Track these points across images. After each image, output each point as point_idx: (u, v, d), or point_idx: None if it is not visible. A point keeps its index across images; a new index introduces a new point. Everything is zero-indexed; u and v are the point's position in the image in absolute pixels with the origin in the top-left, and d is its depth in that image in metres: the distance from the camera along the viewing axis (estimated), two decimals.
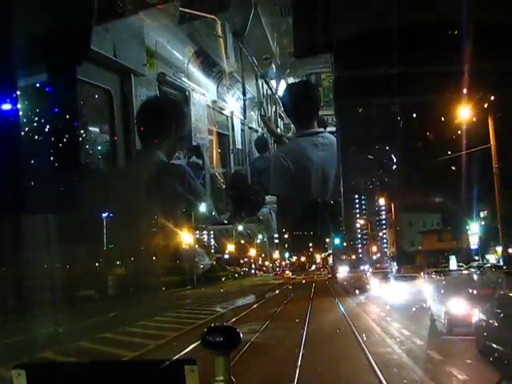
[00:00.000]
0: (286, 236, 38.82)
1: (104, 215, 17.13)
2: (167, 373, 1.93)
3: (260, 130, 24.82)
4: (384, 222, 72.39)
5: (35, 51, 9.01)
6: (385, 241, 73.17)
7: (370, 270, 47.16)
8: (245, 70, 19.65)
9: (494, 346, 11.06)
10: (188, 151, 18.18)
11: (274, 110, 24.41)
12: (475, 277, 22.19)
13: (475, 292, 15.11)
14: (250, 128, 24.27)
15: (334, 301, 26.94)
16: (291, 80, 25.45)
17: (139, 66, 14.49)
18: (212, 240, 32.76)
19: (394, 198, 52.59)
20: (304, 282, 49.75)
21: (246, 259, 52.38)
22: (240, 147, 22.60)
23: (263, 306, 24.32)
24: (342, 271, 53.33)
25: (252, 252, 49.92)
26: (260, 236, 38.97)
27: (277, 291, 35.46)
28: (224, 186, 19.58)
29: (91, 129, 14.79)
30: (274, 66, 22.26)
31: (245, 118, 22.32)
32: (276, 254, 65.06)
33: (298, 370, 10.19)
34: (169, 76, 16.15)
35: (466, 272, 28.79)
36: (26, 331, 13.65)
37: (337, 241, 62.23)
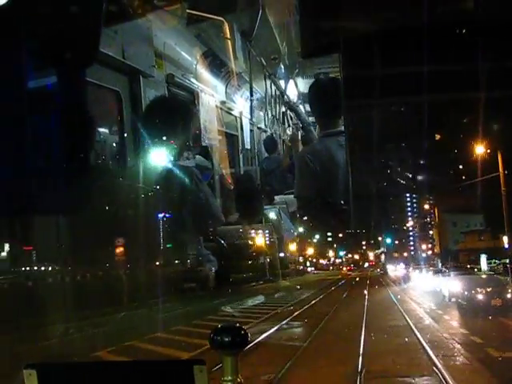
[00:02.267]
0: (340, 235, 46.70)
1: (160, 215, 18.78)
2: (176, 373, 1.95)
3: (269, 130, 24.79)
4: (432, 222, 76.29)
5: (44, 54, 9.03)
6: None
7: (411, 267, 60.62)
8: (253, 70, 19.64)
9: (460, 301, 21.81)
10: (197, 152, 18.20)
11: (283, 110, 24.39)
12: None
13: (466, 278, 25.83)
14: (259, 128, 24.26)
15: (384, 288, 38.18)
16: (300, 80, 25.39)
17: (148, 68, 14.53)
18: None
19: (437, 201, 57.84)
20: (358, 278, 59.46)
21: (301, 258, 57.00)
22: (249, 147, 22.60)
23: (336, 290, 36.16)
24: (393, 268, 63.54)
25: (309, 251, 56.13)
26: (317, 236, 45.85)
27: (341, 283, 47.59)
28: (232, 187, 19.59)
29: (101, 130, 14.84)
30: (282, 66, 22.22)
31: (251, 118, 22.30)
32: (331, 253, 69.55)
33: (365, 309, 20.36)
34: (177, 77, 16.18)
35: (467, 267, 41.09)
36: (171, 310, 18.12)
37: (388, 240, 66.62)
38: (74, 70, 9.64)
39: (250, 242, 22.40)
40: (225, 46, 17.59)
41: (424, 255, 72.97)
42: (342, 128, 17.98)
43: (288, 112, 24.53)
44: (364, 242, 76.42)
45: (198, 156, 18.24)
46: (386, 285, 41.67)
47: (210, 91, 18.28)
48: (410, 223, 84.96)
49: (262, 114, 24.19)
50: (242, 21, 17.54)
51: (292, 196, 21.73)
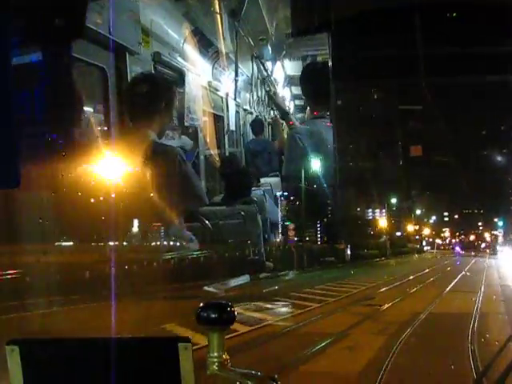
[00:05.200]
0: (456, 216, 51.56)
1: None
2: (160, 351, 1.92)
3: (254, 111, 24.73)
4: None
5: (30, 28, 8.90)
6: None
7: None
8: (240, 50, 19.53)
9: None
10: (182, 132, 18.11)
11: (267, 90, 24.36)
12: None
13: None
14: (245, 110, 24.18)
15: (485, 263, 42.09)
16: (287, 62, 25.34)
17: (134, 45, 14.34)
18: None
19: None
20: (468, 256, 63.90)
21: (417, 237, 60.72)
22: (234, 129, 22.53)
23: (448, 263, 41.25)
24: (502, 250, 68.05)
25: (426, 231, 60.57)
26: (433, 217, 53.09)
27: (453, 259, 52.77)
28: (218, 168, 19.59)
29: (85, 108, 14.68)
30: (269, 48, 22.14)
31: (235, 99, 22.21)
32: (447, 233, 73.01)
33: (463, 272, 27.23)
34: (164, 55, 16.00)
35: None
36: (328, 274, 24.79)
37: (500, 223, 69.83)
38: (60, 45, 9.54)
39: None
40: (213, 25, 17.44)
41: None
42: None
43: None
44: (480, 223, 78.14)
45: (183, 136, 18.17)
46: (489, 262, 46.87)
47: (197, 71, 18.13)
48: None
49: (248, 95, 24.11)
50: None
51: (277, 178, 21.82)
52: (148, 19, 15.06)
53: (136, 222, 14.54)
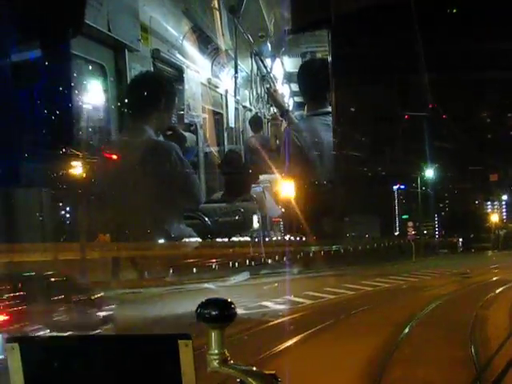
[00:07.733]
0: None
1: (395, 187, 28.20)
2: (160, 348, 1.91)
3: (253, 108, 24.67)
4: None
5: (30, 27, 8.89)
6: None
7: None
8: (240, 47, 19.47)
9: None
10: (182, 129, 18.09)
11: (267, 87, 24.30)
12: None
13: None
14: (244, 107, 24.12)
15: None
16: (286, 59, 25.28)
17: (133, 42, 14.33)
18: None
19: None
20: None
21: None
22: (233, 126, 22.48)
23: None
24: None
25: None
26: None
27: None
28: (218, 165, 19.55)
29: (84, 105, 14.67)
30: (269, 45, 22.08)
31: (235, 96, 22.15)
32: None
33: None
34: (163, 52, 15.97)
35: None
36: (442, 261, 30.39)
37: None
38: (59, 42, 9.53)
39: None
40: (212, 22, 17.39)
41: None
42: (329, 108, 18.21)
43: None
44: None
45: (185, 133, 18.14)
46: None
47: (196, 68, 18.09)
48: None
49: (247, 92, 24.05)
50: None
51: (276, 175, 21.76)
52: (147, 16, 15.03)
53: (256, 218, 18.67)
